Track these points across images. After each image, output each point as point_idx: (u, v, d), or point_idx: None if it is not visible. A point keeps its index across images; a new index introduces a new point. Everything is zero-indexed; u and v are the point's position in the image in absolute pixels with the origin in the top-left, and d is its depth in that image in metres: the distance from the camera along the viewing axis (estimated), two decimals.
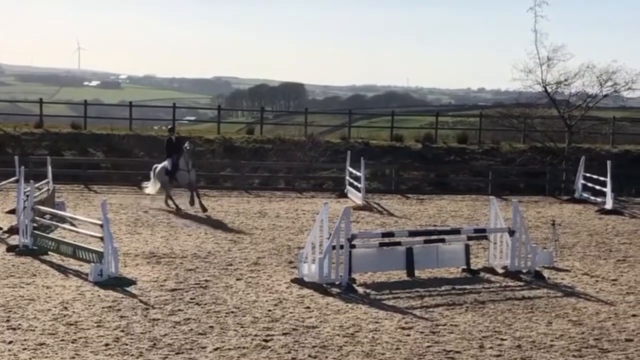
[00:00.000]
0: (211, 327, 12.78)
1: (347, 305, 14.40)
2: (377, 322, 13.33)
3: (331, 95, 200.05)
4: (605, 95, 39.73)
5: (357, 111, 62.84)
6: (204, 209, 25.91)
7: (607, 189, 29.80)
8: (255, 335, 12.35)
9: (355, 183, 30.76)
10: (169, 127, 29.48)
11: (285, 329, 12.78)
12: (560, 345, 12.29)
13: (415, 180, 36.08)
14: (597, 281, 17.16)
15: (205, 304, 14.20)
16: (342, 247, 15.64)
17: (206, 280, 16.12)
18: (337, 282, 15.64)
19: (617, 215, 28.44)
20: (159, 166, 27.31)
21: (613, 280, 17.33)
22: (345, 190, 32.11)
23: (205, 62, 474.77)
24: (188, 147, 26.17)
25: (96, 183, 33.49)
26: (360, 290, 15.63)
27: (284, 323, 13.12)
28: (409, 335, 12.64)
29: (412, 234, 17.97)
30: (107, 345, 11.66)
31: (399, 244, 17.08)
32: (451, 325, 13.29)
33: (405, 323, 13.31)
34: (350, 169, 32.06)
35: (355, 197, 30.25)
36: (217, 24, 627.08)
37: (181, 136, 27.97)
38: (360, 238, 16.49)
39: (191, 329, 12.60)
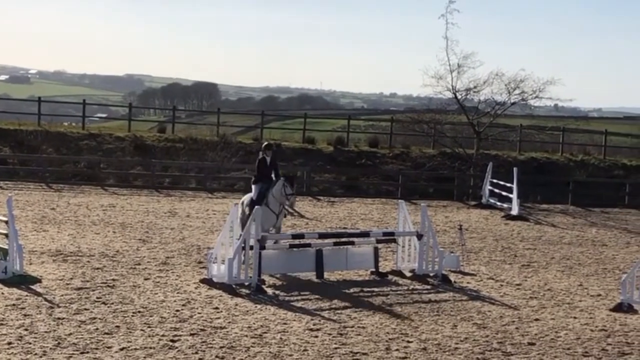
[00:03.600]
0: (117, 326, 12.62)
1: (256, 306, 14.39)
2: (285, 324, 13.36)
3: (244, 96, 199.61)
4: (513, 103, 40.35)
5: (270, 112, 62.72)
6: None
7: (513, 195, 30.44)
8: (163, 336, 12.25)
9: None
10: (265, 144, 19.79)
11: (193, 329, 12.71)
12: (465, 348, 12.50)
13: (327, 182, 36.28)
14: (501, 285, 17.50)
15: (112, 304, 14.03)
16: (251, 247, 15.64)
17: (113, 280, 15.92)
18: (246, 283, 15.63)
19: (523, 221, 29.05)
20: (249, 197, 18.78)
21: (517, 284, 17.69)
22: None
23: (117, 59, 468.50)
24: (290, 191, 17.92)
25: (2, 179, 32.79)
26: (270, 291, 15.65)
27: (192, 323, 13.05)
28: (316, 336, 12.69)
29: (322, 236, 18.11)
30: (9, 344, 11.42)
31: (308, 245, 17.16)
32: (359, 327, 13.40)
33: (314, 324, 13.37)
34: None
35: None
36: (130, 21, 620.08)
37: (276, 161, 19.25)
38: (270, 239, 16.51)
39: (97, 329, 12.43)
